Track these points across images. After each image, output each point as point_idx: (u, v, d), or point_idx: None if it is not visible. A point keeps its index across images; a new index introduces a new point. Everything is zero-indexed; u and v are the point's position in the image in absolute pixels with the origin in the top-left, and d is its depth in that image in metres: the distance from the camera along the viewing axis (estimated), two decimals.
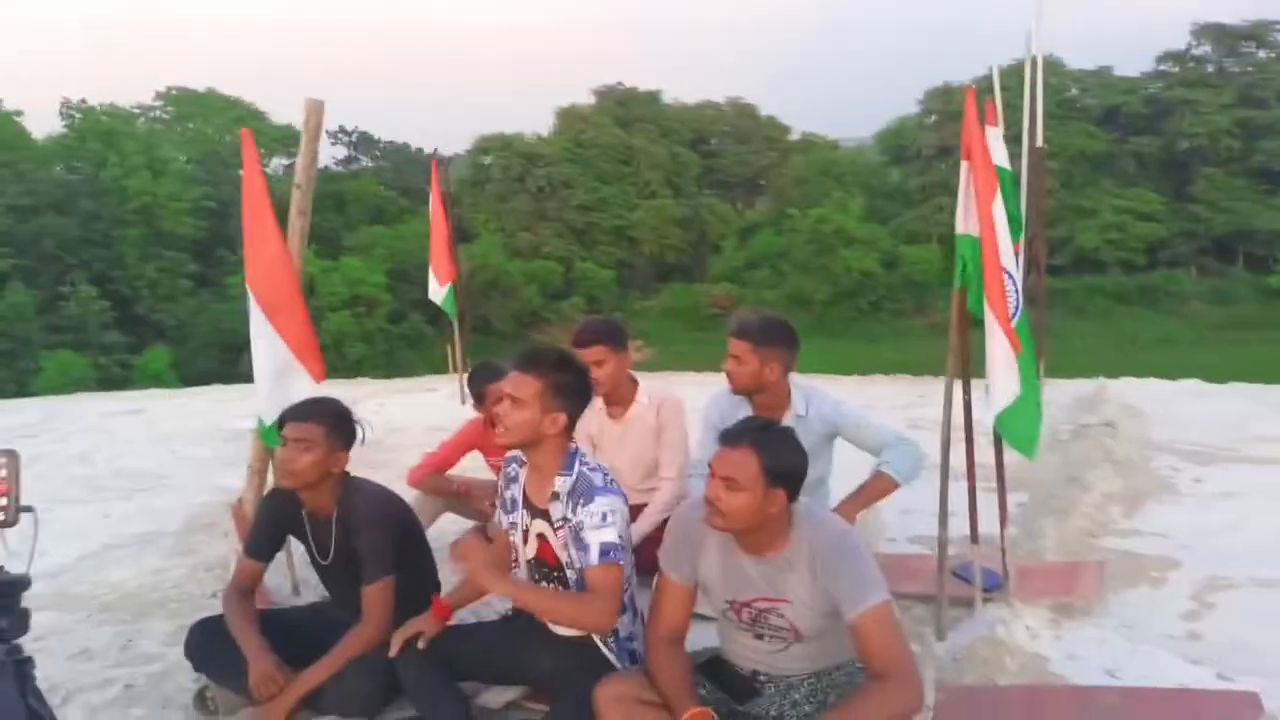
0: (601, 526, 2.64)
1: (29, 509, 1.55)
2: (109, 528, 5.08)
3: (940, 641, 3.25)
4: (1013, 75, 7.78)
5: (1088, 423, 6.08)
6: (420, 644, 2.75)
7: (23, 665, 1.57)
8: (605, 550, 2.63)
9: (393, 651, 2.75)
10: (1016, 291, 3.27)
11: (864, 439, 3.50)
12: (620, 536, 2.66)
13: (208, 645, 3.07)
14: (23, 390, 23.88)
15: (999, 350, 3.12)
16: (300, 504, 3.10)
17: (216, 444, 7.21)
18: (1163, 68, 40.62)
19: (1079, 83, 40.35)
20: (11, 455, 1.56)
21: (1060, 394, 7.04)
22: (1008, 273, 3.20)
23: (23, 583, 1.56)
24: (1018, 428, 3.22)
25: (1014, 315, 3.19)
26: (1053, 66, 34.76)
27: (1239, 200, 35.94)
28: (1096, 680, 2.95)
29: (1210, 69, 39.51)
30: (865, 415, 3.54)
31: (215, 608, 3.17)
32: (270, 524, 3.21)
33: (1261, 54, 39.17)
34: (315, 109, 3.54)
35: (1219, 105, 36.65)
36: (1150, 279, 36.31)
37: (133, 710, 3.15)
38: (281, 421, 3.01)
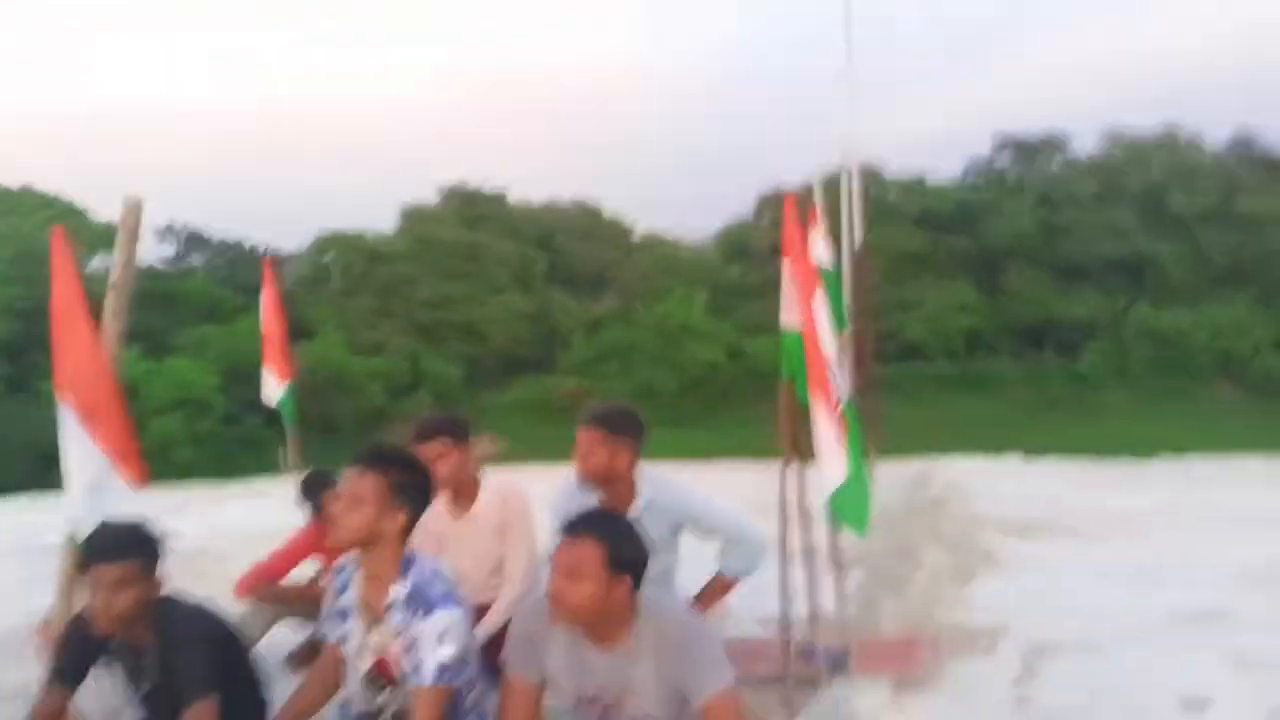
0: (439, 645, 2.56)
1: None
2: None
3: None
4: (835, 181, 8.31)
5: (917, 501, 6.38)
6: None
7: None
8: (441, 671, 2.56)
9: None
10: (840, 379, 3.44)
11: (708, 531, 3.57)
12: (457, 654, 2.59)
13: None
14: None
15: (827, 435, 3.26)
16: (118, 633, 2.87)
17: (26, 560, 6.62)
18: (970, 178, 44.23)
19: (896, 189, 43.40)
20: None
21: (892, 474, 7.35)
22: (829, 364, 3.37)
23: None
24: (849, 507, 3.35)
25: (839, 402, 3.35)
26: (872, 175, 37.19)
27: (1045, 293, 39.06)
28: None
29: (1011, 177, 43.33)
30: (711, 506, 3.59)
31: None
32: (78, 648, 2.95)
33: (1054, 164, 43.29)
34: (134, 208, 3.41)
35: (1020, 209, 40.07)
36: (972, 365, 38.75)
37: None
38: (87, 561, 2.78)
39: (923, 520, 5.81)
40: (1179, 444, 15.24)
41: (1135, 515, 6.46)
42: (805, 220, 3.62)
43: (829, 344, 3.36)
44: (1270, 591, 4.80)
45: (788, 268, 3.42)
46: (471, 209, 44.21)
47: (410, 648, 2.60)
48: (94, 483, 3.34)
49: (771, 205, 42.24)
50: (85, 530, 3.18)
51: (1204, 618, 4.35)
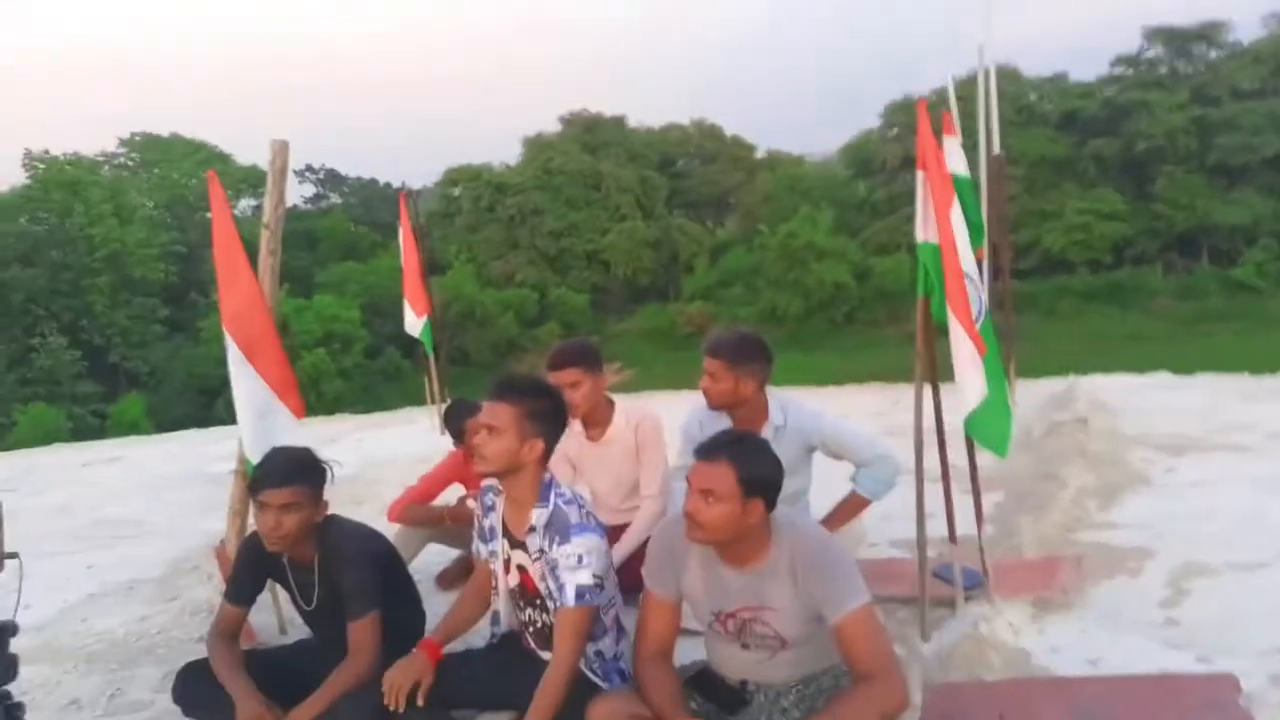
0: (577, 569, 2.67)
1: (13, 556, 1.57)
2: (92, 577, 5.03)
3: (925, 642, 3.28)
4: (969, 85, 7.92)
5: (1060, 420, 6.16)
6: (419, 699, 2.74)
7: (13, 711, 1.58)
8: (580, 593, 2.66)
9: (391, 704, 2.72)
10: (979, 295, 3.34)
11: (841, 452, 3.56)
12: (595, 576, 2.69)
13: (195, 690, 3.06)
14: None
15: (965, 353, 3.18)
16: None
17: (196, 488, 7.17)
18: (1117, 71, 41.40)
19: (1036, 90, 41.03)
20: None
21: (1032, 393, 7.13)
22: (969, 277, 3.27)
23: (10, 629, 1.57)
24: (988, 428, 3.28)
25: (978, 318, 3.26)
26: (1009, 75, 35.33)
27: (1199, 197, 36.57)
28: (1080, 671, 3.00)
29: (1163, 70, 40.30)
30: (843, 427, 3.59)
31: (202, 652, 3.16)
32: (250, 569, 3.19)
33: (1212, 54, 40.01)
34: (280, 150, 3.58)
35: (1173, 105, 37.35)
36: (1117, 277, 36.83)
37: None
38: (256, 486, 2.96)
39: (1066, 439, 5.61)
40: None
41: None
42: (939, 127, 3.47)
43: (966, 258, 3.26)
44: None
45: (922, 179, 3.31)
46: (592, 135, 44.30)
47: (551, 570, 2.71)
48: (260, 414, 3.59)
49: (900, 115, 40.71)
50: (255, 459, 3.42)
51: None
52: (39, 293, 34.64)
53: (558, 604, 2.70)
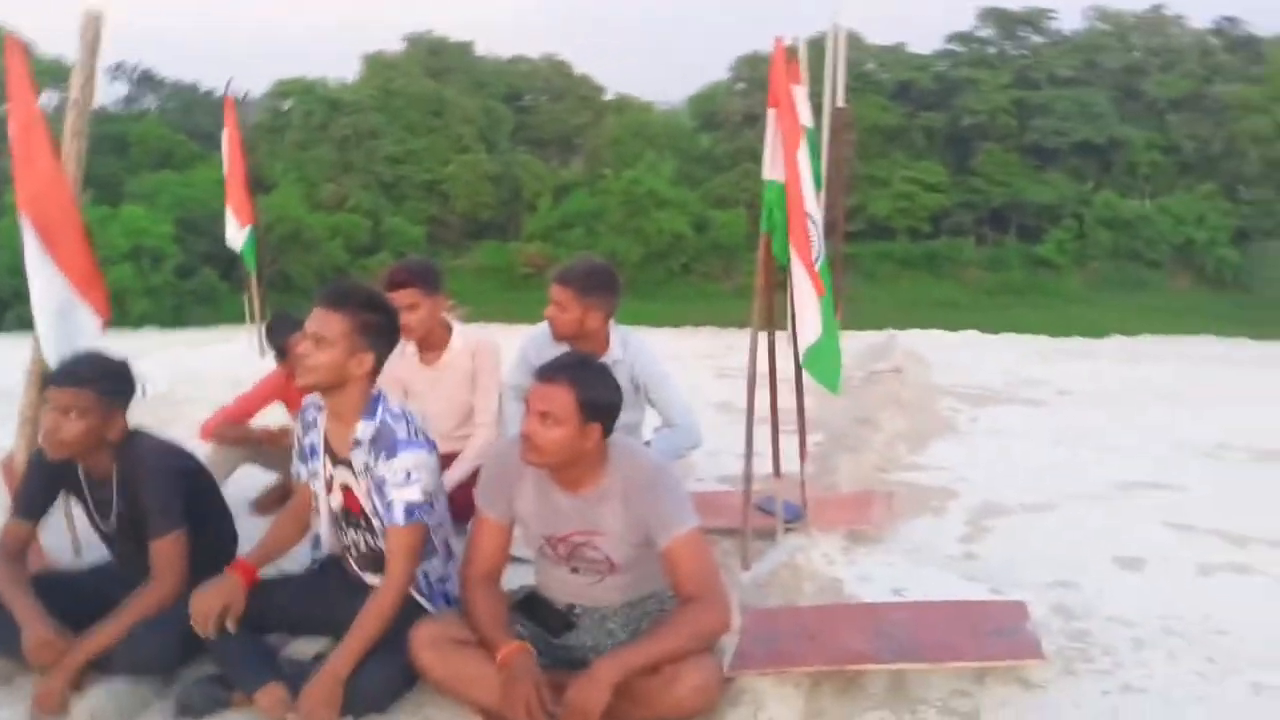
0: (405, 485, 2.59)
1: None
2: None
3: (745, 571, 3.40)
4: (815, 48, 8.08)
5: (878, 369, 6.49)
6: (230, 625, 2.60)
7: None
8: (410, 510, 2.59)
9: (200, 629, 2.59)
10: (819, 236, 3.43)
11: (655, 402, 3.63)
12: (425, 493, 2.62)
13: None
14: None
15: (804, 292, 3.27)
16: (74, 461, 2.86)
17: None
18: (950, 47, 43.33)
19: (875, 58, 42.45)
20: None
21: (853, 343, 7.44)
22: (810, 218, 3.35)
23: None
24: (823, 365, 3.39)
25: (817, 259, 3.35)
26: (852, 40, 36.40)
27: (1013, 175, 39.02)
28: (886, 598, 3.18)
29: (992, 50, 42.51)
30: (667, 382, 3.64)
31: None
32: (41, 481, 2.93)
33: (1036, 39, 42.50)
34: (93, 21, 3.22)
35: (998, 85, 39.51)
36: (934, 246, 38.95)
37: None
38: (47, 381, 2.74)
39: (882, 388, 5.93)
40: (1133, 329, 15.60)
41: (1085, 388, 6.65)
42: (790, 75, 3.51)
43: (810, 199, 3.33)
44: (1212, 465, 5.01)
45: (773, 116, 3.35)
46: (437, 59, 42.67)
47: (378, 488, 2.62)
48: (59, 312, 3.26)
49: (747, 69, 41.23)
50: (52, 360, 3.13)
51: (1146, 486, 4.54)
52: None
53: (385, 523, 2.62)
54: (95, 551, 3.32)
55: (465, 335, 3.85)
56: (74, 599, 2.84)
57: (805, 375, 3.61)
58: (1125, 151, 38.28)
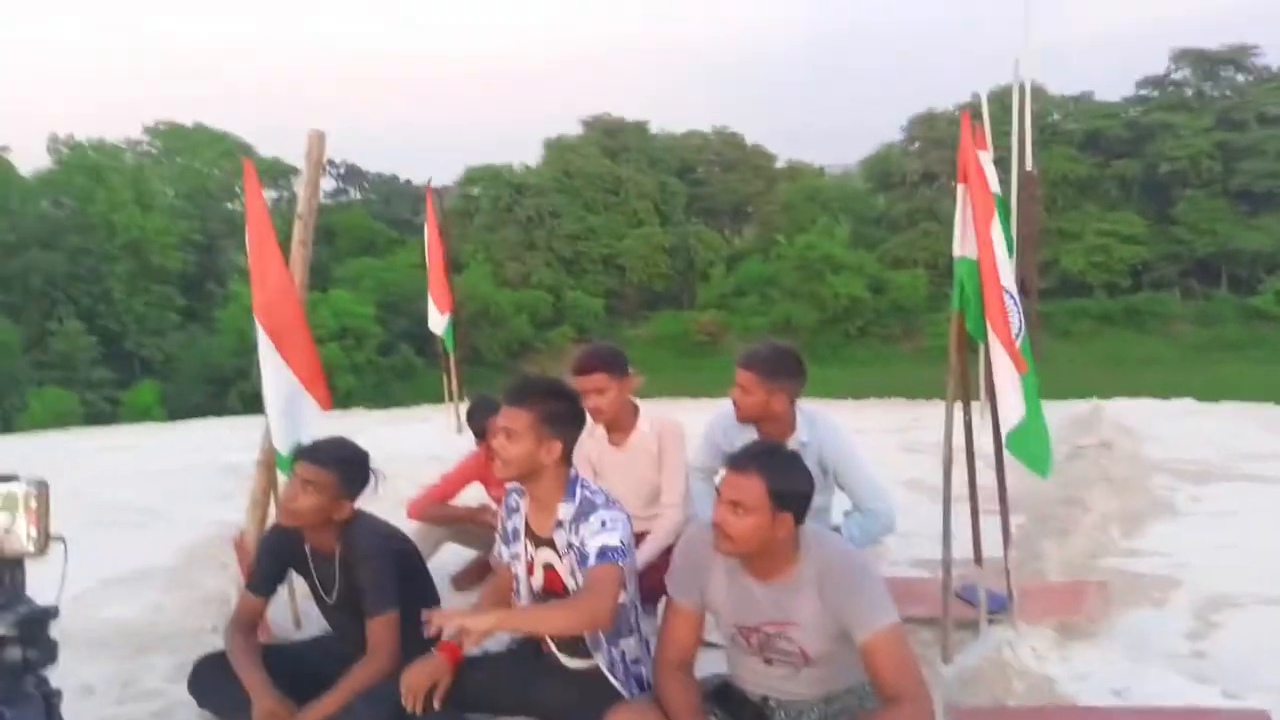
0: (601, 532, 2.65)
1: (59, 539, 1.55)
2: (106, 563, 5.01)
3: (946, 664, 3.24)
4: (995, 101, 7.88)
5: (1083, 443, 6.11)
6: (436, 702, 2.71)
7: (50, 698, 1.56)
8: (603, 552, 2.62)
9: (408, 705, 2.70)
10: (1017, 310, 3.30)
11: (845, 486, 3.55)
12: (622, 541, 2.66)
13: (211, 681, 3.05)
14: (8, 427, 23.69)
15: (1004, 371, 3.14)
16: (303, 540, 3.09)
17: (209, 478, 7.17)
18: (1143, 92, 41.18)
19: (1060, 108, 40.86)
20: (42, 486, 1.56)
21: (1054, 415, 7.00)
22: (1009, 293, 3.23)
23: (52, 613, 1.56)
24: (1029, 446, 3.23)
25: (1017, 336, 3.22)
26: (1035, 92, 35.20)
27: (1220, 222, 36.33)
28: (1104, 700, 2.95)
29: (1190, 93, 40.08)
30: (858, 464, 3.55)
31: (216, 642, 3.15)
32: (272, 559, 3.19)
33: (1240, 78, 39.78)
34: (317, 140, 3.57)
35: (1199, 129, 37.12)
36: (1135, 301, 36.61)
37: None
38: (296, 455, 3.01)
39: (1089, 463, 5.56)
40: None
41: None
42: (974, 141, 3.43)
43: (1006, 274, 3.22)
44: None
45: (962, 192, 3.28)
46: (613, 140, 44.29)
47: (579, 553, 2.69)
48: (288, 403, 3.58)
49: (922, 129, 40.60)
50: (281, 447, 3.42)
51: None
52: (58, 277, 34.79)
53: (583, 569, 2.66)
54: (314, 624, 3.55)
55: (651, 418, 3.92)
56: (297, 670, 3.05)
57: (1009, 455, 3.46)
58: None
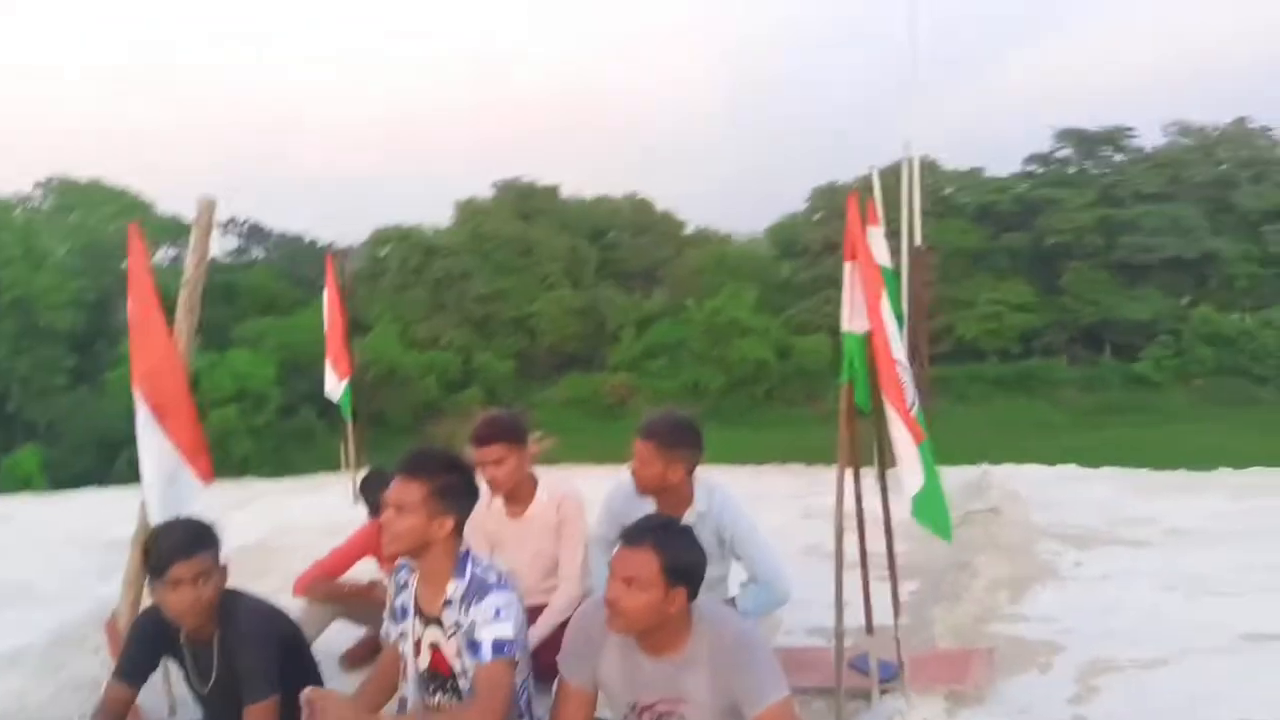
0: (494, 622, 2.60)
1: None
2: None
3: None
4: (891, 174, 8.23)
5: (974, 508, 6.29)
6: None
7: None
8: (498, 645, 2.58)
9: None
10: (909, 381, 3.41)
11: (743, 558, 3.58)
12: (515, 633, 2.62)
13: None
14: None
15: (902, 440, 3.23)
16: (177, 625, 2.94)
17: (90, 552, 6.81)
18: (1030, 168, 43.40)
19: (953, 182, 42.75)
20: None
21: (947, 480, 7.17)
22: (901, 365, 3.34)
23: None
24: (930, 514, 3.32)
25: (911, 406, 3.32)
26: (928, 166, 36.77)
27: (1103, 292, 38.26)
28: None
29: (1072, 170, 42.43)
30: (756, 538, 3.59)
31: None
32: (144, 645, 3.03)
33: (1117, 157, 42.31)
34: (208, 207, 3.50)
35: (1082, 204, 39.23)
36: (1026, 366, 38.10)
37: None
38: (164, 563, 2.80)
39: (979, 529, 5.72)
40: (1241, 453, 14.82)
41: (1196, 527, 6.30)
42: (865, 218, 3.57)
43: (898, 347, 3.33)
44: None
45: (850, 269, 3.39)
46: (525, 203, 44.51)
47: (468, 635, 2.63)
48: (168, 479, 3.44)
49: (824, 199, 41.94)
50: (158, 523, 3.27)
51: (1269, 637, 4.22)
52: None
53: (475, 661, 2.59)
54: (188, 711, 3.38)
55: (550, 488, 3.89)
56: None
57: (894, 519, 3.54)
58: (1220, 265, 37.31)
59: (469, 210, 43.99)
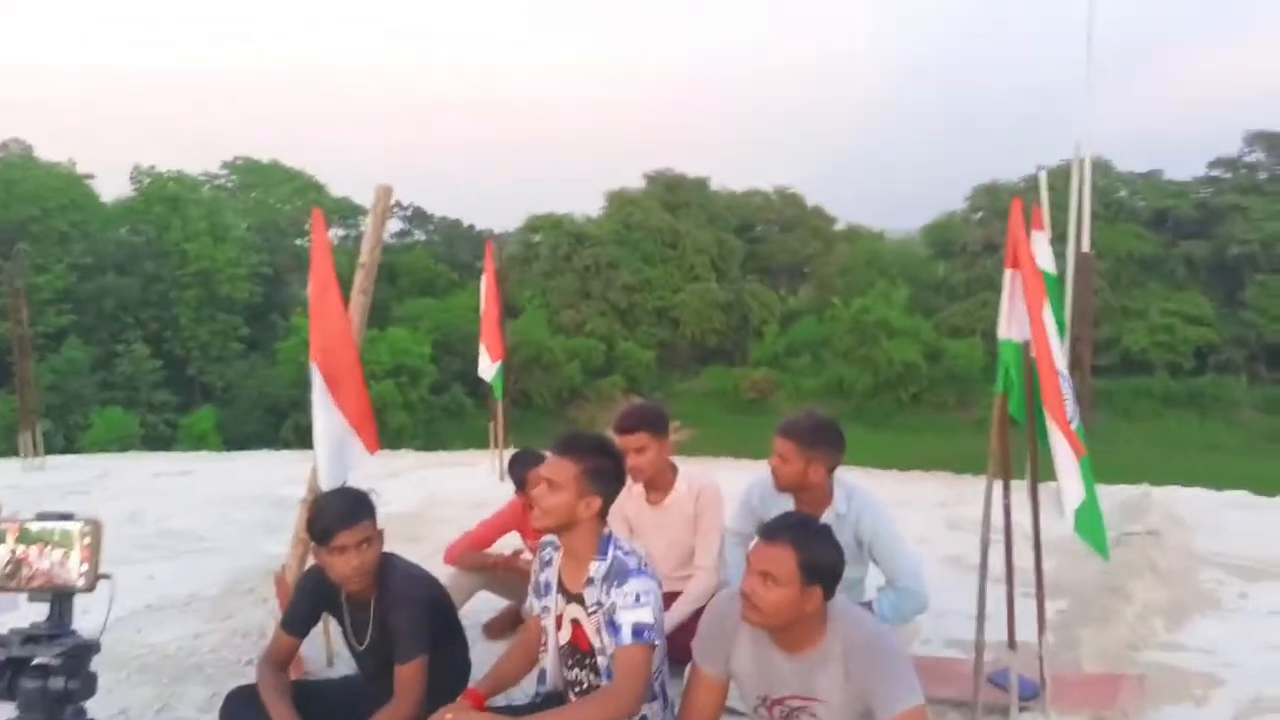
0: (635, 607, 2.66)
1: (106, 577, 1.64)
2: (151, 589, 5.15)
3: None
4: (1060, 175, 7.83)
5: (1131, 530, 5.97)
6: None
7: None
8: (638, 630, 2.64)
9: None
10: (1071, 394, 3.28)
11: (881, 563, 3.53)
12: (654, 617, 2.69)
13: (241, 714, 3.11)
14: (70, 445, 24.37)
15: (1063, 454, 3.13)
16: (339, 585, 3.15)
17: (259, 509, 7.31)
18: (1214, 173, 40.60)
19: (1128, 185, 40.43)
20: (96, 525, 1.67)
21: (1104, 499, 6.82)
22: (1063, 377, 3.22)
23: (94, 647, 1.64)
24: (1090, 529, 3.20)
25: (1071, 420, 3.20)
26: (1102, 168, 34.90)
27: None
28: None
29: (1263, 176, 39.40)
30: (896, 542, 3.52)
31: (250, 675, 3.22)
32: (308, 601, 3.25)
33: None
34: (384, 193, 3.72)
35: (1272, 212, 36.43)
36: (1199, 384, 35.74)
37: None
38: (329, 531, 2.98)
39: (1136, 552, 5.43)
40: None
41: None
42: (1029, 222, 3.45)
43: (1059, 358, 3.22)
44: None
45: (1010, 277, 3.29)
46: (674, 194, 44.85)
47: (608, 617, 2.71)
48: (337, 446, 3.69)
49: (985, 199, 40.44)
50: (326, 488, 3.50)
51: None
52: (130, 301, 36.04)
53: (615, 644, 2.67)
54: (346, 663, 3.61)
55: (689, 478, 3.94)
56: (325, 709, 3.11)
57: (1044, 534, 3.42)
58: None
59: (619, 200, 44.66)
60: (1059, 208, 6.92)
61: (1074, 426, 3.22)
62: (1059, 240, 6.27)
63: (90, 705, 1.71)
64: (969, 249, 40.59)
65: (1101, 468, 3.91)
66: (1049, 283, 3.49)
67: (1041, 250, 3.58)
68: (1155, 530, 5.84)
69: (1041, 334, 3.18)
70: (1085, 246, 6.64)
